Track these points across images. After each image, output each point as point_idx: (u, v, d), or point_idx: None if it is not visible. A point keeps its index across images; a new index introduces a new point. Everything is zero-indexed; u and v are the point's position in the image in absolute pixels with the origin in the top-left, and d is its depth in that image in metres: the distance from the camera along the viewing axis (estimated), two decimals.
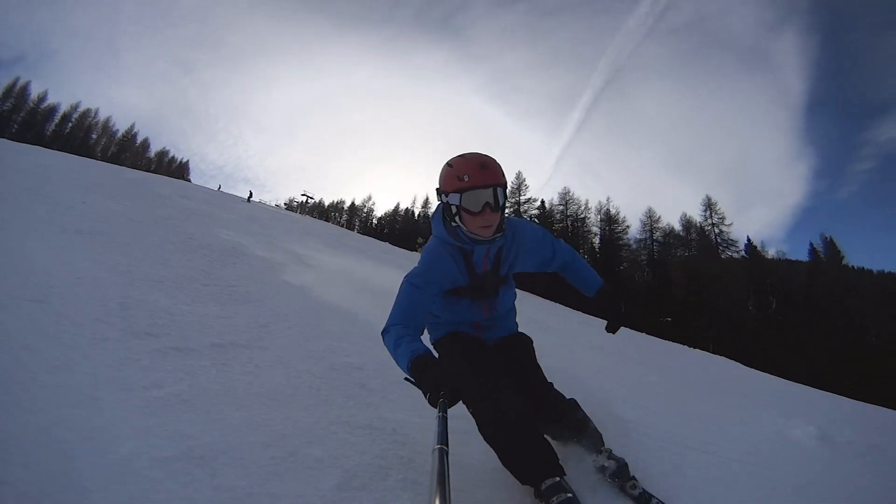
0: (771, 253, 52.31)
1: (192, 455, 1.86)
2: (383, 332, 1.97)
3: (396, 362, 1.85)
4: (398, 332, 1.90)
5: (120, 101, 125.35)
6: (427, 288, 2.05)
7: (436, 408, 1.55)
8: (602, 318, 2.45)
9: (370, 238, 44.18)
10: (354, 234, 43.77)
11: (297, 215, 44.88)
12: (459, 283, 2.17)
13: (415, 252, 29.61)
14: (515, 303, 2.56)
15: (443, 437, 1.32)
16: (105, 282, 3.87)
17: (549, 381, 2.29)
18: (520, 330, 2.57)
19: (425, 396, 1.63)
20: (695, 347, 24.94)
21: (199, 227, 8.17)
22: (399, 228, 69.87)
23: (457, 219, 2.03)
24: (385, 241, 39.97)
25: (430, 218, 2.25)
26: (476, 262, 2.16)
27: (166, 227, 7.14)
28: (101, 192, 9.19)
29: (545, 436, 1.94)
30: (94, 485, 1.59)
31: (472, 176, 1.95)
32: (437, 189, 2.10)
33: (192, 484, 1.70)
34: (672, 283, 48.13)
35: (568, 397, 2.26)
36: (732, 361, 16.15)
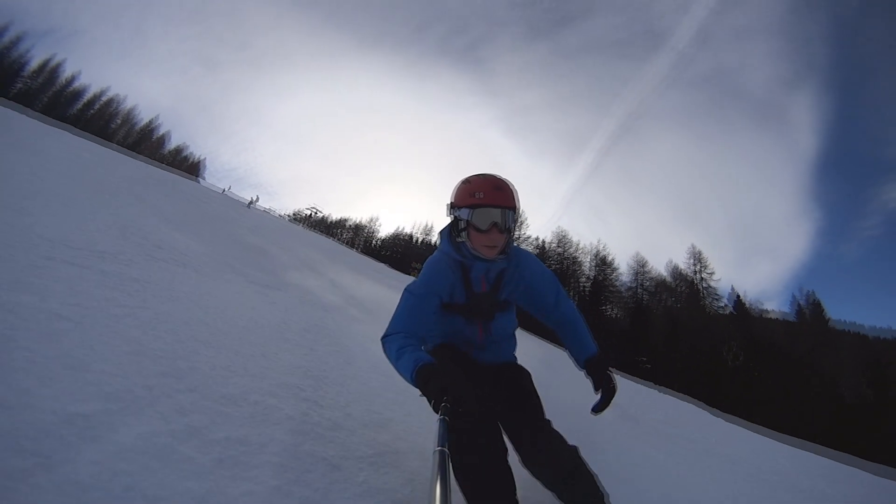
0: (770, 307, 54.09)
1: None
2: (383, 339, 1.97)
3: (397, 370, 1.83)
4: (400, 340, 1.89)
5: (141, 89, 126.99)
6: (427, 298, 2.06)
7: (438, 413, 1.56)
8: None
9: (368, 257, 45.29)
10: (354, 252, 44.98)
11: (301, 228, 46.19)
12: (456, 299, 2.16)
13: (407, 275, 30.97)
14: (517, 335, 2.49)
15: (444, 440, 1.33)
16: None
17: (548, 418, 2.07)
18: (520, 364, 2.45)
19: (430, 403, 1.62)
20: (665, 386, 26.27)
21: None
22: (400, 252, 71.61)
23: (463, 234, 2.05)
24: (383, 263, 41.24)
25: (439, 233, 2.25)
26: (474, 279, 2.15)
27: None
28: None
29: (540, 481, 1.86)
30: None
31: (485, 194, 1.98)
32: (449, 203, 2.12)
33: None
34: (652, 329, 49.45)
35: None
36: (695, 406, 16.58)
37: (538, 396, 2.17)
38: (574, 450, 1.89)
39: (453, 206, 2.08)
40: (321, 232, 70.02)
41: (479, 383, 2.12)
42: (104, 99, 72.40)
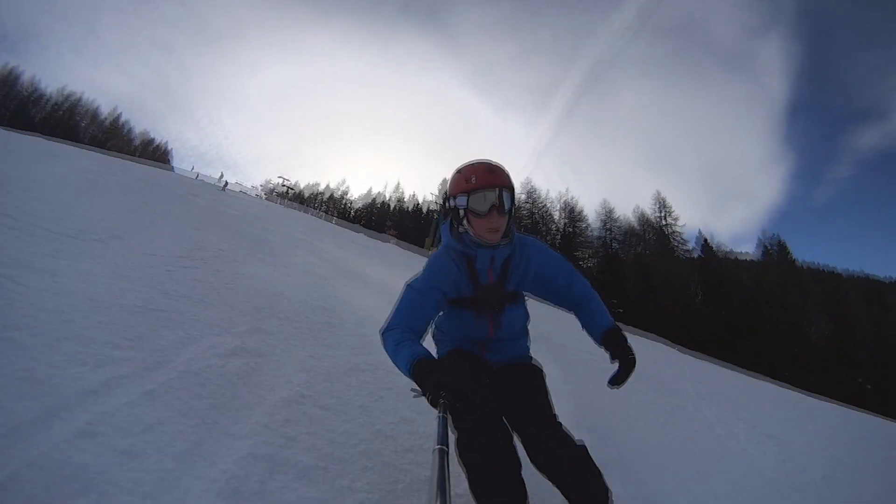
0: (746, 251, 57.17)
1: None
2: (382, 333, 1.98)
3: (396, 364, 1.84)
4: (398, 335, 1.90)
5: (101, 84, 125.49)
6: (428, 293, 2.04)
7: (437, 409, 1.56)
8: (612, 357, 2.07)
9: (344, 228, 46.37)
10: (332, 224, 46.15)
11: (280, 207, 47.23)
12: (463, 293, 2.12)
13: (381, 242, 32.77)
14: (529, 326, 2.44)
15: (443, 438, 1.33)
16: None
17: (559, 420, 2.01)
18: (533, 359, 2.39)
19: (427, 398, 1.62)
20: (640, 329, 28.76)
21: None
22: (374, 218, 74.90)
23: (464, 222, 2.03)
24: (359, 232, 42.62)
25: (441, 229, 2.22)
26: (480, 269, 2.10)
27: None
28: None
29: (548, 479, 1.83)
30: None
31: (479, 178, 1.98)
32: (445, 196, 2.12)
33: None
34: (624, 278, 51.91)
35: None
36: (668, 346, 17.99)
37: (547, 394, 2.13)
38: (581, 447, 1.86)
39: (449, 198, 2.07)
40: (297, 207, 71.14)
41: (488, 383, 2.08)
42: (71, 99, 73.12)
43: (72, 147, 25.93)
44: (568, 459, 1.82)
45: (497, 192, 1.97)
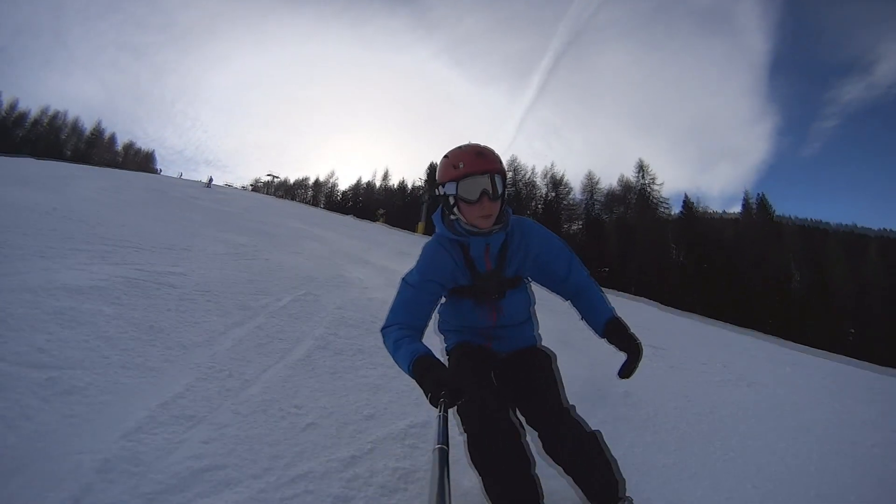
0: (734, 210, 58.44)
1: None
2: (382, 330, 1.97)
3: (396, 363, 1.83)
4: (398, 332, 1.89)
5: (75, 94, 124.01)
6: (424, 286, 2.02)
7: (437, 408, 1.54)
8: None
9: (334, 213, 47.01)
10: (320, 210, 46.98)
11: (272, 199, 48.41)
12: (461, 282, 2.09)
13: (371, 220, 34.11)
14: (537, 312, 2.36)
15: (443, 437, 1.33)
16: None
17: (571, 403, 2.01)
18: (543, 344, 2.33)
19: (426, 396, 1.60)
20: (622, 291, 30.25)
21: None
22: (361, 201, 76.26)
23: (455, 210, 1.99)
24: (348, 214, 43.56)
25: (432, 219, 2.18)
26: (475, 257, 2.07)
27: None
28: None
29: (560, 466, 1.83)
30: None
31: (467, 163, 1.92)
32: (435, 185, 2.06)
33: None
34: (607, 239, 54.23)
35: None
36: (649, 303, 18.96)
37: (558, 381, 2.08)
38: (594, 436, 1.84)
39: (438, 186, 2.02)
40: (286, 196, 72.35)
41: (496, 375, 2.10)
42: (48, 114, 73.44)
43: (74, 166, 27.77)
44: (576, 448, 1.80)
45: (488, 178, 1.92)
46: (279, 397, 2.89)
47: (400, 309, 2.00)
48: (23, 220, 5.82)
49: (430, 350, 1.78)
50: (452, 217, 2.04)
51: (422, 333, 1.98)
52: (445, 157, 2.03)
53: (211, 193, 26.77)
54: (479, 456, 1.77)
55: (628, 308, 15.99)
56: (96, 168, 32.87)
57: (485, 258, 2.08)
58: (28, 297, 3.40)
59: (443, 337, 2.39)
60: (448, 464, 1.23)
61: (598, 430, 1.88)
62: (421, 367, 1.69)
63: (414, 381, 1.71)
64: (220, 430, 2.39)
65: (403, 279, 2.07)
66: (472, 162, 1.93)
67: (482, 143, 2.04)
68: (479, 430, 1.80)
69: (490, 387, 1.99)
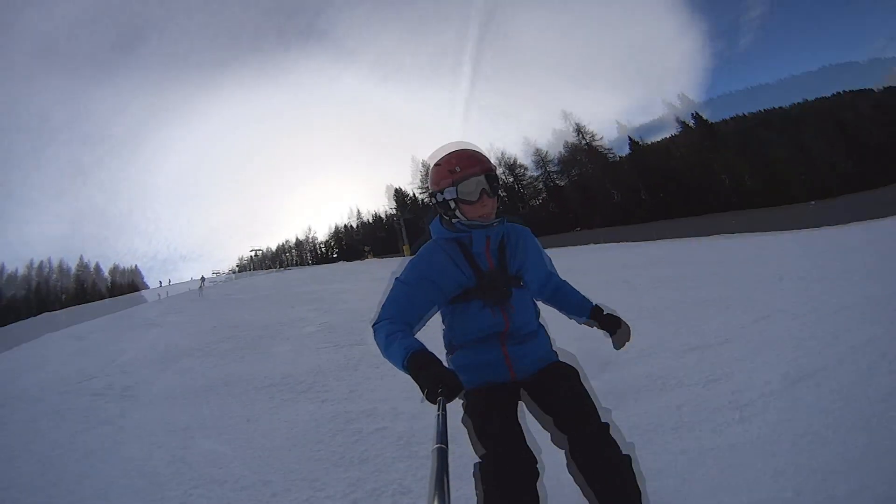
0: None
1: None
2: (373, 325, 1.95)
3: (387, 358, 1.80)
4: (388, 327, 1.85)
5: (37, 239, 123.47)
6: (419, 284, 1.98)
7: (434, 405, 1.51)
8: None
9: (323, 266, 48.85)
10: (310, 266, 47.83)
11: (263, 275, 49.43)
12: (465, 284, 2.03)
13: (359, 259, 35.74)
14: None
15: (442, 436, 1.30)
16: None
17: (605, 421, 1.87)
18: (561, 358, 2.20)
19: (423, 393, 1.56)
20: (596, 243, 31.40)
21: None
22: (344, 245, 76.92)
23: (457, 213, 2.01)
24: (336, 262, 45.01)
25: (429, 228, 2.17)
26: (477, 254, 2.04)
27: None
28: None
29: (587, 485, 1.73)
30: None
31: (463, 166, 1.96)
32: (430, 193, 2.09)
33: None
34: (569, 201, 56.50)
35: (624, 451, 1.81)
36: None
37: (590, 396, 1.97)
38: (627, 460, 1.78)
39: (436, 193, 2.04)
40: (274, 266, 73.91)
41: (525, 397, 2.05)
42: (34, 266, 74.33)
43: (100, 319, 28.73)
44: (611, 473, 1.73)
45: (485, 178, 1.97)
46: None
47: (392, 305, 1.95)
48: None
49: (423, 345, 1.72)
50: (454, 220, 2.03)
51: (413, 330, 1.93)
52: (437, 164, 2.05)
53: (226, 288, 26.23)
54: (489, 486, 1.65)
55: (614, 252, 19.46)
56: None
57: (486, 254, 2.05)
58: None
59: (448, 353, 2.19)
60: (448, 464, 1.21)
61: (628, 455, 1.79)
62: (417, 363, 1.63)
63: (409, 376, 1.65)
64: None
65: (396, 278, 2.03)
66: (468, 164, 1.97)
67: (468, 146, 2.10)
68: (492, 456, 1.70)
69: (515, 425, 1.84)
